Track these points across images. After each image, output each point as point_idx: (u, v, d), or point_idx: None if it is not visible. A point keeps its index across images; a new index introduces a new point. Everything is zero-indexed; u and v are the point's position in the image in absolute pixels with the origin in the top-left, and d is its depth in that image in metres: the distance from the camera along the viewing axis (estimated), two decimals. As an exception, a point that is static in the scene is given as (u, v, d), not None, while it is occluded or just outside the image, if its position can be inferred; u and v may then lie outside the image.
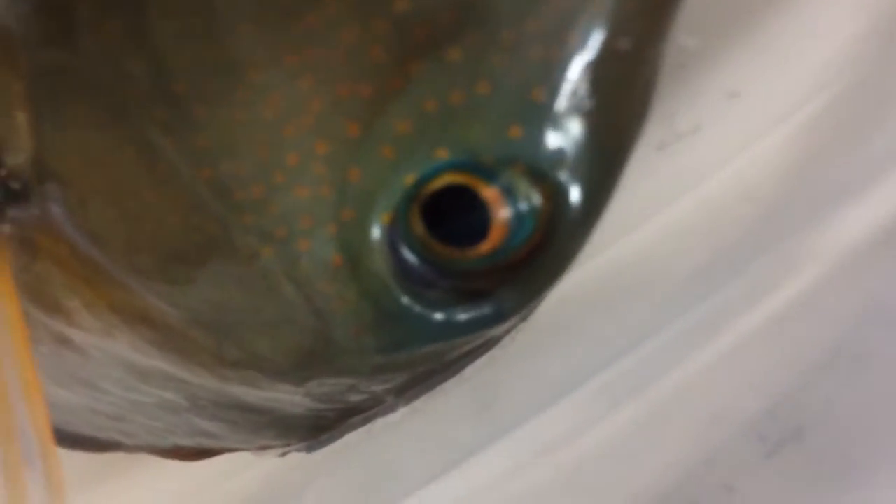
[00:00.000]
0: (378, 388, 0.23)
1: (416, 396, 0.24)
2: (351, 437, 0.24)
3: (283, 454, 0.28)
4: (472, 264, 0.18)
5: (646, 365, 0.23)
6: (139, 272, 0.20)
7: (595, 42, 0.15)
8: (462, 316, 0.19)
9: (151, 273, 0.19)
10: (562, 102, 0.16)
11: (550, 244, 0.18)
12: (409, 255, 0.18)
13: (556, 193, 0.17)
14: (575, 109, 0.16)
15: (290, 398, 0.23)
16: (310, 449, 0.27)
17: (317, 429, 0.26)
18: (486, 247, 0.18)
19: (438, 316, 0.18)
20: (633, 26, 0.15)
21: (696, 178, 0.21)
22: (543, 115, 0.16)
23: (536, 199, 0.17)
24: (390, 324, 0.19)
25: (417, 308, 0.18)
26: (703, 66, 0.18)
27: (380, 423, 0.23)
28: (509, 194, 0.17)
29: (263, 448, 0.28)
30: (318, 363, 0.20)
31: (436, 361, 0.21)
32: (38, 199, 0.19)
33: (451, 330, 0.19)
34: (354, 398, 0.23)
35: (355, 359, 0.20)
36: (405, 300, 0.18)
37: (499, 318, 0.19)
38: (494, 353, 0.21)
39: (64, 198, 0.19)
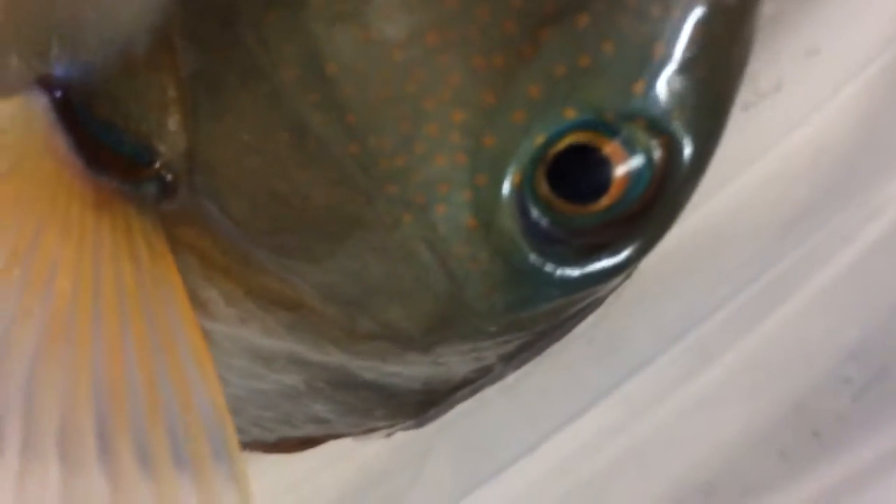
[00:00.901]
0: (491, 354, 0.24)
1: (525, 362, 0.25)
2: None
3: (390, 434, 0.29)
4: (592, 219, 0.20)
5: (736, 316, 0.25)
6: (283, 253, 0.21)
7: (706, 2, 0.17)
8: (584, 269, 0.20)
9: (295, 252, 0.21)
10: (678, 57, 0.18)
11: (665, 194, 0.19)
12: (535, 214, 0.20)
13: (671, 145, 0.19)
14: (689, 63, 0.18)
15: (408, 371, 0.25)
16: (418, 425, 0.28)
17: (426, 404, 0.27)
18: (606, 201, 0.19)
19: (562, 271, 0.20)
20: None
21: (779, 134, 0.23)
22: (662, 70, 0.18)
23: (654, 151, 0.19)
24: (518, 281, 0.20)
25: (543, 264, 0.20)
26: (781, 27, 0.19)
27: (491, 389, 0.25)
28: (630, 148, 0.19)
29: (369, 431, 0.29)
30: (448, 327, 0.22)
31: (554, 319, 0.22)
32: (186, 192, 0.21)
33: (574, 283, 0.20)
34: (467, 369, 0.25)
35: (483, 320, 0.21)
36: (532, 257, 0.20)
37: (617, 269, 0.20)
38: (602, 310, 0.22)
39: (213, 187, 0.21)
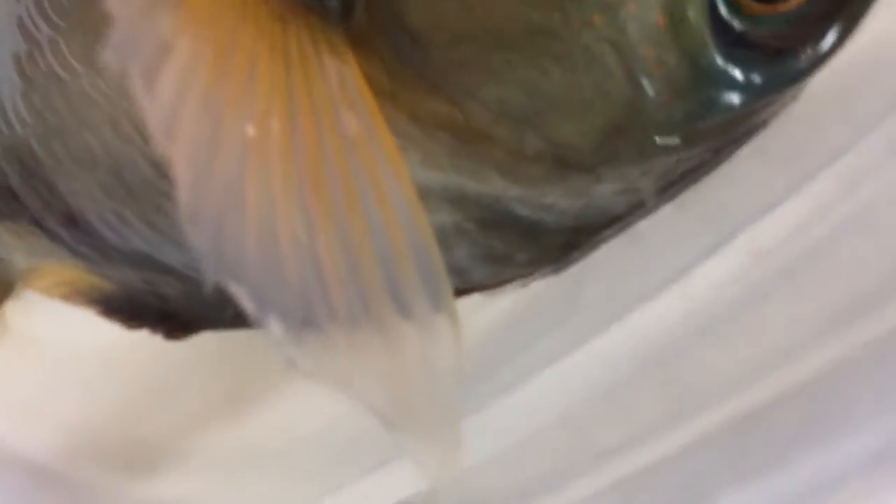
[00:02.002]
0: (648, 185, 0.24)
1: (679, 192, 0.25)
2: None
3: (526, 284, 0.30)
4: (780, 19, 0.20)
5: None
6: (458, 67, 0.21)
7: None
8: (767, 74, 0.20)
9: (472, 65, 0.21)
10: None
11: None
12: (725, 14, 0.20)
13: None
14: None
15: (563, 204, 0.25)
16: (557, 270, 0.29)
17: (570, 246, 0.27)
18: (795, 1, 0.19)
19: (746, 74, 0.20)
20: None
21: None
22: None
23: None
24: (701, 86, 0.20)
25: (729, 67, 0.20)
26: None
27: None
28: None
29: (504, 283, 0.30)
30: (619, 140, 0.22)
31: (725, 134, 0.22)
32: (362, 8, 0.22)
33: (756, 89, 0.21)
34: (621, 205, 0.25)
35: (658, 131, 0.22)
36: (719, 59, 0.20)
37: (799, 74, 0.21)
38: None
39: (393, 4, 0.21)
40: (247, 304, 0.18)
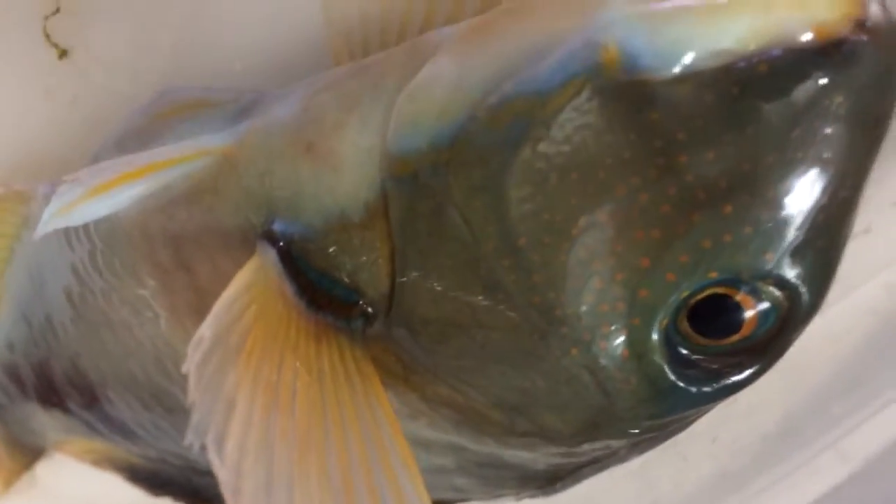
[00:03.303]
0: (620, 444, 0.29)
1: (648, 448, 0.30)
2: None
3: (519, 499, 0.34)
4: (724, 349, 0.24)
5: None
6: (461, 371, 0.26)
7: (828, 193, 0.22)
8: (715, 386, 0.25)
9: (472, 372, 0.26)
10: (804, 235, 0.22)
11: (784, 332, 0.24)
12: (678, 346, 0.24)
13: (793, 296, 0.23)
14: (812, 239, 0.22)
15: (547, 458, 0.29)
16: (545, 494, 0.33)
17: (554, 479, 0.32)
18: (736, 337, 0.24)
19: (697, 388, 0.25)
20: (853, 181, 0.22)
21: (867, 271, 0.27)
22: (790, 245, 0.22)
23: (780, 301, 0.23)
24: (660, 397, 0.25)
25: (682, 384, 0.24)
26: (869, 179, 0.24)
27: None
28: (760, 299, 0.23)
29: (499, 496, 0.34)
30: (595, 430, 0.26)
31: (685, 421, 0.27)
32: (382, 321, 0.26)
33: (706, 397, 0.25)
34: (597, 453, 0.30)
35: (626, 425, 0.26)
36: (674, 379, 0.24)
37: (741, 386, 0.25)
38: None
39: (408, 320, 0.25)
40: None
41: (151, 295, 0.30)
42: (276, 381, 0.23)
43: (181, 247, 0.29)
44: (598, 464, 0.31)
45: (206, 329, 0.22)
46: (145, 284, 0.30)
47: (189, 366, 0.21)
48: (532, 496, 0.33)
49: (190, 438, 0.21)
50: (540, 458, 0.29)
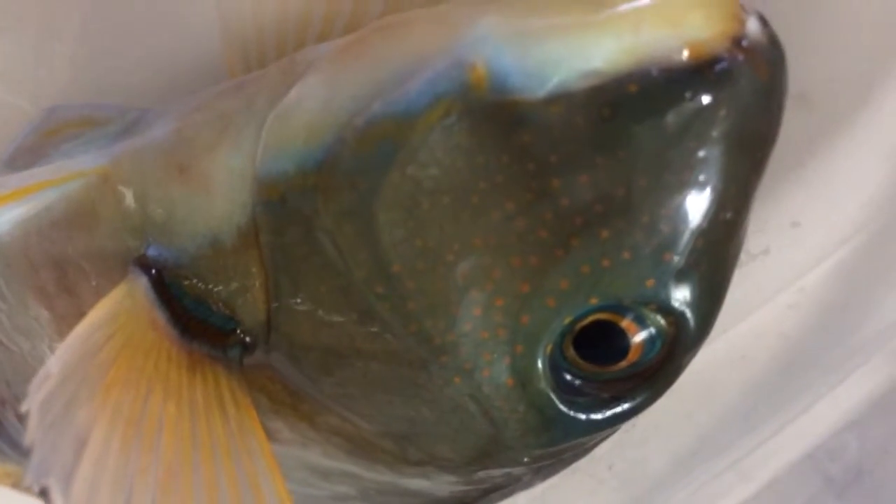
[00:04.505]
0: (521, 470, 0.28)
1: (551, 474, 0.29)
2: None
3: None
4: (613, 376, 0.23)
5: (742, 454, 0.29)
6: (346, 399, 0.25)
7: (707, 217, 0.21)
8: (605, 414, 0.24)
9: (357, 400, 0.25)
10: (684, 260, 0.21)
11: (673, 357, 0.23)
12: (564, 373, 0.23)
13: (679, 322, 0.22)
14: (693, 264, 0.22)
15: (448, 486, 0.28)
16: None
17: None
18: (624, 364, 0.23)
19: (587, 416, 0.24)
20: (734, 204, 0.21)
21: (768, 292, 0.27)
22: (671, 270, 0.21)
23: (664, 327, 0.22)
24: (549, 426, 0.24)
25: (571, 412, 0.24)
26: (768, 200, 0.23)
27: (521, 496, 0.28)
28: (644, 325, 0.22)
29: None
30: (487, 459, 0.25)
31: (579, 449, 0.26)
32: (262, 349, 0.25)
33: (597, 425, 0.24)
34: (500, 479, 0.29)
35: (518, 454, 0.25)
36: (562, 407, 0.24)
37: (632, 413, 0.24)
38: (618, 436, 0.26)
39: (287, 349, 0.24)
40: None
41: (39, 321, 0.29)
42: (139, 415, 0.22)
43: (64, 271, 0.28)
44: (502, 489, 0.30)
45: (55, 364, 0.21)
46: (33, 310, 0.29)
47: (30, 404, 0.20)
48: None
49: (28, 481, 0.20)
50: (442, 486, 0.28)
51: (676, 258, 0.21)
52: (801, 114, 0.24)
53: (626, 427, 0.27)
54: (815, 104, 0.25)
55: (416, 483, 0.28)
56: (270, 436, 0.27)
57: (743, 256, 0.27)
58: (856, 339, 0.27)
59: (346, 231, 0.22)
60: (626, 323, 0.22)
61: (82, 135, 0.29)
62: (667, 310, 0.22)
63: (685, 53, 0.20)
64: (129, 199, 0.25)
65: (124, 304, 0.23)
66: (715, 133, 0.20)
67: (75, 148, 0.28)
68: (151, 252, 0.25)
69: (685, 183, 0.21)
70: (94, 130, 0.29)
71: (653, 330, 0.22)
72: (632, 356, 0.23)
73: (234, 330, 0.25)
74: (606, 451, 0.27)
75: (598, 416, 0.24)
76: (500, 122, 0.21)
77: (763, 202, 0.25)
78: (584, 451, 0.28)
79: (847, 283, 0.27)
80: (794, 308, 0.27)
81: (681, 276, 0.22)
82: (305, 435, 0.27)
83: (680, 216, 0.21)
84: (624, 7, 0.20)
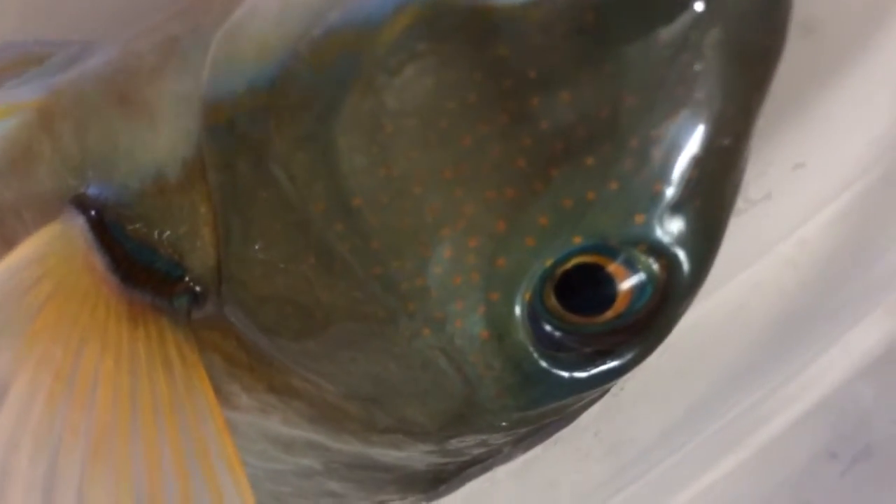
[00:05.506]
0: (499, 440, 0.26)
1: (533, 445, 0.27)
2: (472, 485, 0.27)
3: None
4: (599, 328, 0.21)
5: (735, 418, 0.27)
6: (307, 357, 0.23)
7: (704, 142, 0.19)
8: (590, 372, 0.22)
9: (319, 357, 0.22)
10: (677, 192, 0.19)
11: (665, 307, 0.21)
12: (545, 325, 0.21)
13: (671, 265, 0.20)
14: (688, 197, 0.19)
15: (421, 456, 0.26)
16: (429, 499, 0.30)
17: (437, 481, 0.28)
18: (611, 314, 0.21)
19: (570, 374, 0.22)
20: (733, 127, 0.19)
21: (769, 240, 0.24)
22: (662, 204, 0.19)
23: (655, 271, 0.20)
24: (529, 385, 0.22)
25: (553, 369, 0.21)
26: (770, 141, 0.21)
27: (501, 470, 0.26)
28: (633, 268, 0.20)
29: (381, 503, 0.31)
30: (462, 424, 0.23)
31: (561, 413, 0.24)
32: (214, 300, 0.23)
33: (581, 385, 0.22)
34: (477, 451, 0.26)
35: (495, 417, 0.23)
36: (542, 363, 0.21)
37: (620, 371, 0.22)
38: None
39: (241, 298, 0.22)
40: None
41: None
42: (71, 368, 0.20)
43: (1, 220, 0.25)
44: (481, 463, 0.28)
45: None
46: None
47: None
48: (416, 501, 0.30)
49: None
50: (415, 457, 0.26)
51: (669, 190, 0.19)
52: (804, 44, 0.22)
53: (613, 389, 0.25)
54: (819, 34, 0.23)
55: (387, 454, 0.26)
56: (226, 401, 0.25)
57: (742, 203, 0.25)
58: (861, 286, 0.25)
59: (301, 159, 0.20)
60: (613, 267, 0.20)
61: (27, 71, 0.27)
62: (658, 251, 0.20)
63: None
64: (69, 134, 0.23)
65: (54, 245, 0.21)
66: (711, 44, 0.18)
67: (16, 87, 0.26)
68: (91, 191, 0.22)
69: (678, 101, 0.18)
70: (38, 67, 0.26)
71: (643, 275, 0.20)
72: (619, 305, 0.21)
73: (182, 277, 0.22)
74: (592, 418, 0.24)
75: (581, 374, 0.22)
76: (474, 32, 0.18)
77: (765, 142, 0.23)
78: (568, 418, 0.26)
79: (854, 228, 0.25)
80: (797, 259, 0.25)
81: (674, 213, 0.19)
82: (264, 400, 0.25)
83: (672, 141, 0.19)
84: None
